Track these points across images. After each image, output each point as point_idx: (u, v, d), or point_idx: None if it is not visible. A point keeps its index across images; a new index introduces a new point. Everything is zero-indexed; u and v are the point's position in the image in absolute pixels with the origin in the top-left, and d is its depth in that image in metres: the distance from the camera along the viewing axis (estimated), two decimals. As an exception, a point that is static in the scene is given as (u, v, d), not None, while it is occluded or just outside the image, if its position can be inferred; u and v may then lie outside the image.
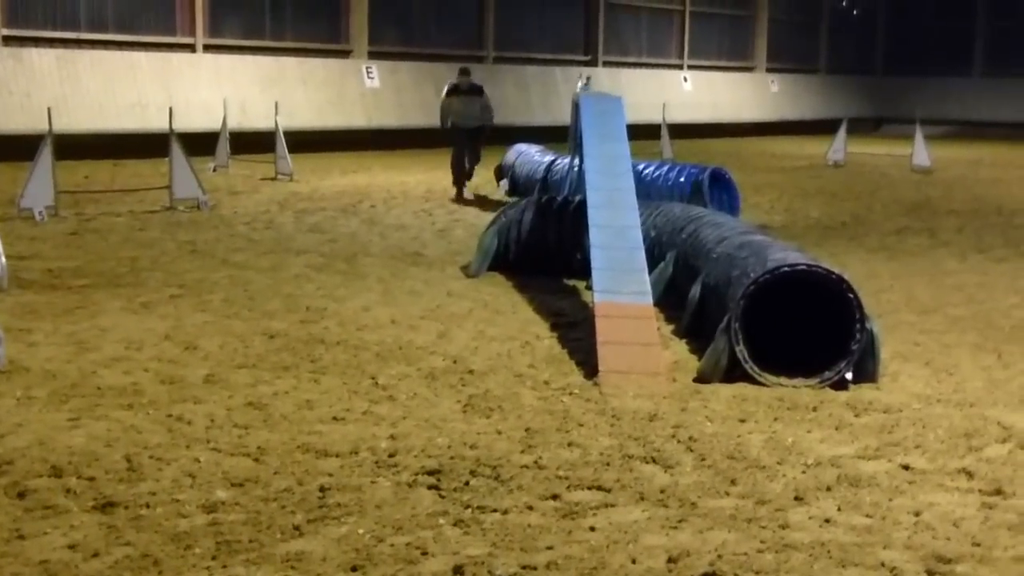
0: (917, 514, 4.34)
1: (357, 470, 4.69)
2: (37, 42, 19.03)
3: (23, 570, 3.68)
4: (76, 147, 16.24)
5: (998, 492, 4.58)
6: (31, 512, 4.15)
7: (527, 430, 5.26)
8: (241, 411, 5.47)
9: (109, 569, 3.70)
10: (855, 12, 36.59)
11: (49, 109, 12.35)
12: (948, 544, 4.07)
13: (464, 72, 15.36)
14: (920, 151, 20.19)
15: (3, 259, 8.05)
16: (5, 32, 18.68)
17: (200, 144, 16.29)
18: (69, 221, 11.70)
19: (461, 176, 14.54)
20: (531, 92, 25.40)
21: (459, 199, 14.33)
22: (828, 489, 4.59)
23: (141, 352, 6.55)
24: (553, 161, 13.18)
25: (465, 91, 15.00)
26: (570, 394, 5.88)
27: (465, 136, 14.72)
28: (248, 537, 3.98)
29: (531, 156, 14.13)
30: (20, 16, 18.98)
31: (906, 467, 4.88)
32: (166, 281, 8.73)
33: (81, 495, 4.32)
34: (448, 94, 15.10)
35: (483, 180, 15.62)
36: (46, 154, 11.88)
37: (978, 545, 4.07)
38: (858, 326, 6.06)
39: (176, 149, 12.96)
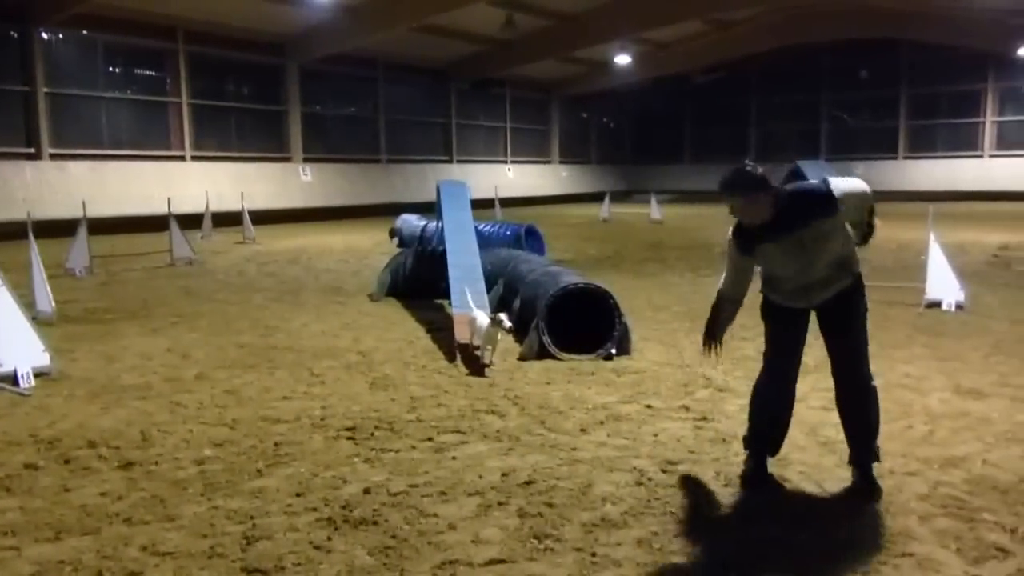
0: (655, 436, 4.47)
1: (300, 430, 4.60)
2: (74, 157, 18.20)
3: (68, 512, 3.52)
4: (104, 227, 15.58)
5: (704, 419, 4.75)
6: (73, 472, 3.97)
7: (412, 398, 5.24)
8: (221, 396, 5.30)
9: (129, 507, 3.56)
10: (611, 126, 37.59)
11: (84, 201, 11.86)
12: (674, 453, 4.21)
13: None
14: (655, 210, 20.73)
15: (53, 303, 7.64)
16: (51, 151, 17.86)
17: (191, 222, 15.75)
18: (100, 276, 11.14)
19: None
20: (411, 182, 25.34)
21: None
22: (601, 423, 4.69)
23: (151, 361, 6.29)
24: (425, 225, 13.13)
25: None
26: (439, 373, 5.87)
27: None
28: (225, 479, 3.88)
29: (412, 222, 14.05)
30: (62, 139, 18.15)
31: (648, 406, 5.00)
32: (168, 313, 8.40)
33: (109, 459, 4.14)
34: None
35: (383, 238, 15.43)
36: (82, 231, 11.40)
37: (693, 452, 4.22)
38: (617, 320, 6.22)
39: (173, 225, 12.59)
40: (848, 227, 3.66)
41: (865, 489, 3.66)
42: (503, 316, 5.79)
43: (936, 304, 8.13)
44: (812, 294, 3.67)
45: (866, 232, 3.72)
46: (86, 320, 8.01)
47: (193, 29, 19.99)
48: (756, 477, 3.81)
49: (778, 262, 3.65)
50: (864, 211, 3.67)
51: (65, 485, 3.80)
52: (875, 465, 3.72)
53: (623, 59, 28.00)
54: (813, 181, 3.71)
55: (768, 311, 3.81)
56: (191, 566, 3.05)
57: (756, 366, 4.01)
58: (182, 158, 20.32)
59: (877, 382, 3.75)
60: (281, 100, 22.82)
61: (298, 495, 3.68)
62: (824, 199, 3.51)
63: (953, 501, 3.56)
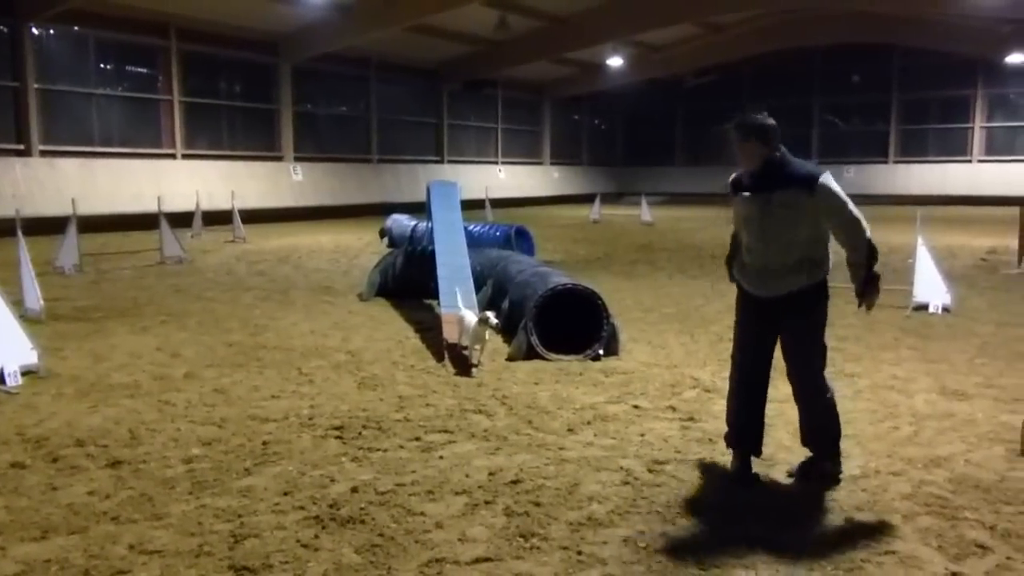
0: (642, 436, 4.50)
1: (288, 429, 4.60)
2: (65, 154, 18.09)
3: (55, 510, 3.51)
4: (95, 224, 15.56)
5: (691, 419, 4.77)
6: (61, 471, 3.96)
7: (400, 397, 5.24)
8: (210, 395, 5.30)
9: (117, 506, 3.56)
10: (603, 127, 37.63)
11: (73, 199, 11.81)
12: (661, 453, 4.24)
13: None
14: (645, 212, 20.76)
15: (42, 300, 7.62)
16: (42, 148, 17.76)
17: (182, 220, 15.73)
18: (89, 274, 11.09)
19: None
20: (402, 182, 25.30)
21: None
22: (588, 423, 4.71)
23: (140, 360, 6.28)
24: (416, 225, 13.13)
25: None
26: (428, 373, 5.88)
27: None
28: (214, 478, 3.88)
29: (402, 222, 14.04)
30: (52, 136, 18.04)
31: (636, 407, 5.03)
32: (158, 312, 8.38)
33: (97, 457, 4.14)
34: None
35: (374, 238, 15.42)
36: (72, 229, 11.36)
37: (679, 452, 4.24)
38: (605, 321, 6.24)
39: (164, 224, 12.58)
40: (834, 238, 3.71)
41: (817, 474, 3.78)
42: (490, 314, 5.80)
43: (923, 307, 8.19)
44: (769, 281, 3.74)
45: (861, 276, 3.72)
46: (75, 318, 7.98)
47: (185, 26, 19.93)
48: (740, 476, 3.85)
49: (743, 218, 3.79)
50: (849, 237, 3.67)
51: (52, 484, 3.80)
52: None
53: (615, 61, 28.06)
54: (815, 166, 3.78)
55: (737, 300, 3.94)
56: (178, 564, 3.06)
57: (742, 367, 4.04)
58: (173, 156, 20.24)
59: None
60: (273, 99, 22.77)
61: (286, 494, 3.69)
62: (807, 176, 3.63)
63: (936, 500, 3.60)
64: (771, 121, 3.72)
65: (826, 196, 3.61)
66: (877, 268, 3.73)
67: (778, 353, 3.86)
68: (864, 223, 3.67)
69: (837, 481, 3.79)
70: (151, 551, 3.15)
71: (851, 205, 3.66)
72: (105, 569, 3.02)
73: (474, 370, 5.77)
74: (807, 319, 3.75)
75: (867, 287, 3.72)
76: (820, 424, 3.83)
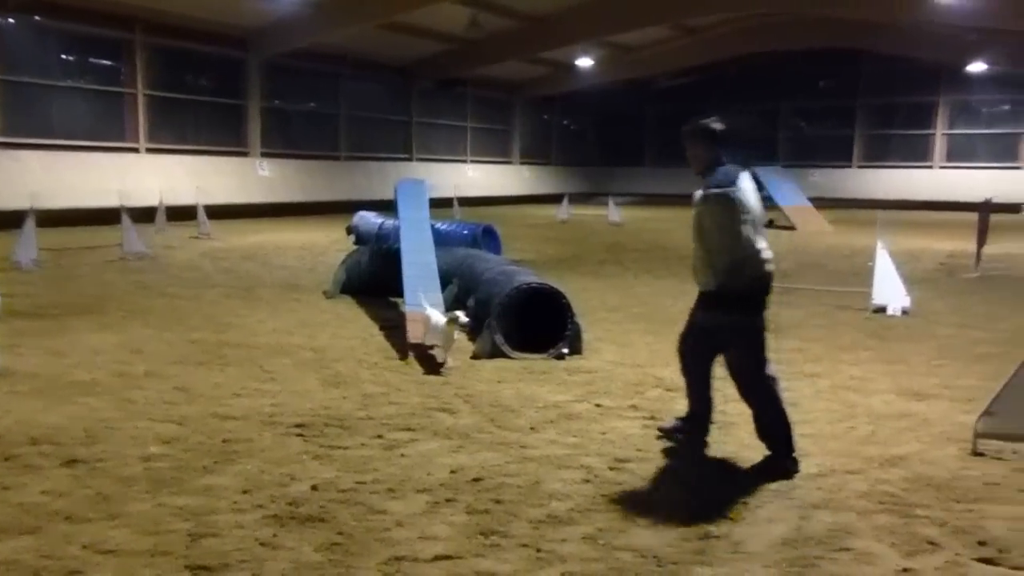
0: (604, 434, 4.52)
1: (250, 427, 4.56)
2: (27, 146, 17.72)
3: (6, 510, 3.44)
4: (57, 219, 15.25)
5: (653, 418, 4.80)
6: (12, 470, 3.88)
7: (364, 395, 5.22)
8: (171, 393, 5.23)
9: (72, 505, 3.50)
10: (573, 128, 37.73)
11: (33, 192, 11.60)
12: (623, 451, 4.26)
13: None
14: (613, 212, 20.84)
15: (-1, 296, 7.48)
16: (3, 139, 17.39)
17: (146, 216, 15.49)
18: (49, 269, 10.88)
19: None
20: (372, 179, 25.12)
21: None
22: (552, 422, 4.73)
23: (100, 357, 6.17)
24: (383, 222, 13.05)
25: None
26: (393, 371, 5.86)
27: None
28: (172, 476, 3.83)
29: (369, 219, 13.91)
30: (13, 127, 17.65)
31: (599, 405, 5.05)
32: (119, 308, 8.24)
33: (52, 456, 4.06)
34: None
35: (341, 235, 15.30)
36: (30, 223, 11.16)
37: (641, 450, 4.27)
38: (570, 321, 6.27)
39: (126, 219, 12.40)
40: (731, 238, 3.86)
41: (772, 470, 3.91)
42: (459, 313, 5.80)
43: (882, 309, 8.33)
44: (695, 275, 4.05)
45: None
46: (33, 315, 7.82)
47: (151, 19, 19.63)
48: (671, 430, 4.35)
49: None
50: (711, 257, 3.87)
51: (3, 483, 3.71)
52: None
53: (587, 62, 28.15)
54: (744, 178, 3.93)
55: None
56: (134, 564, 3.01)
57: (704, 366, 4.09)
58: (137, 150, 19.94)
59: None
60: (240, 94, 22.51)
61: (246, 492, 3.65)
62: (713, 186, 3.87)
63: (891, 498, 3.67)
64: (717, 126, 3.90)
65: (711, 211, 3.84)
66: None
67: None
68: (730, 256, 3.79)
69: (790, 477, 3.86)
70: (106, 551, 3.11)
71: (731, 232, 3.78)
72: (58, 570, 2.97)
73: (443, 369, 5.76)
74: (721, 320, 3.94)
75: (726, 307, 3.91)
76: (763, 423, 4.01)
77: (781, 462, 3.91)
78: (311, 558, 3.07)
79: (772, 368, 3.99)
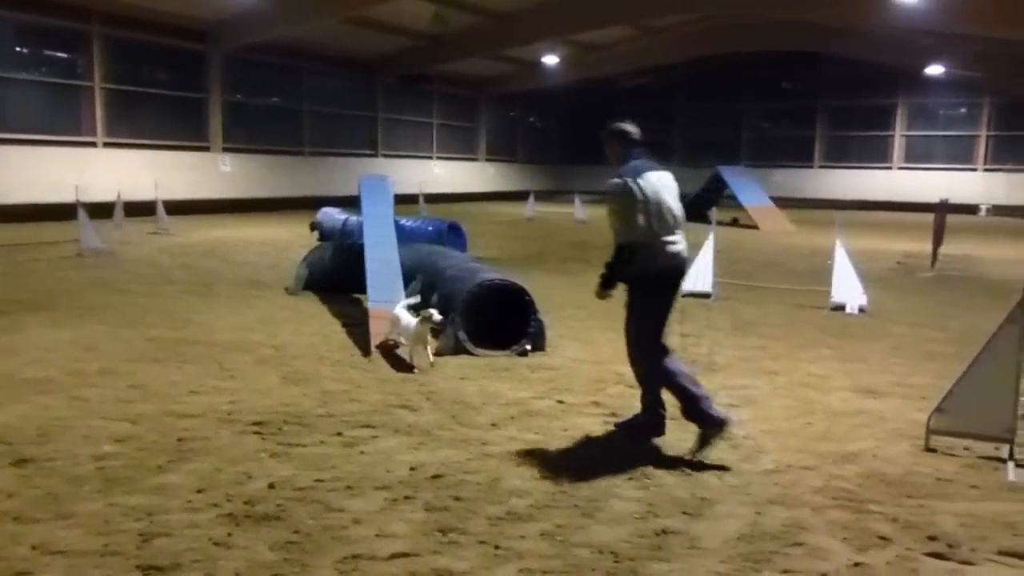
0: (565, 430, 4.54)
1: (206, 425, 4.50)
2: (-23, 139, 17.30)
3: (-49, 509, 3.34)
4: (10, 215, 14.96)
5: (614, 415, 4.82)
6: (-40, 468, 3.77)
7: (324, 392, 5.18)
8: (125, 391, 5.13)
9: (21, 505, 3.43)
10: (539, 125, 37.76)
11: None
12: (584, 447, 4.28)
13: None
14: (579, 210, 20.92)
15: (-54, 292, 7.28)
16: (-48, 132, 16.98)
17: (103, 211, 15.18)
18: (2, 265, 10.62)
19: None
20: (336, 175, 24.89)
21: None
22: (513, 418, 4.73)
23: (53, 354, 6.04)
24: (347, 219, 12.94)
25: None
26: (354, 368, 5.82)
27: None
28: (125, 475, 3.77)
29: (333, 215, 13.80)
30: (-37, 121, 17.23)
31: (561, 402, 5.07)
32: (74, 305, 8.07)
33: (1, 456, 3.97)
34: None
35: (304, 231, 15.13)
36: (-19, 217, 10.89)
37: (600, 447, 4.28)
38: (532, 318, 6.28)
39: (82, 214, 12.10)
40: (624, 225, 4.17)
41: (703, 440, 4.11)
42: (433, 312, 5.75)
43: (840, 307, 8.46)
44: None
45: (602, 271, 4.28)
46: (-17, 310, 7.65)
47: (108, 11, 19.24)
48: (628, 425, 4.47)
49: None
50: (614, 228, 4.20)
51: (-51, 481, 3.63)
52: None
53: (552, 60, 28.19)
54: (653, 173, 4.26)
55: None
56: (84, 564, 2.96)
57: (663, 363, 4.11)
58: (94, 144, 19.54)
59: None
60: (201, 87, 22.17)
61: (200, 491, 3.60)
62: (616, 176, 4.19)
63: (844, 494, 3.73)
64: (629, 127, 4.38)
65: (609, 199, 4.20)
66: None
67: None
68: (622, 236, 4.17)
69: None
70: (55, 551, 3.04)
71: (621, 218, 4.15)
72: (5, 570, 2.90)
73: (415, 369, 5.72)
74: (627, 302, 4.35)
75: (602, 281, 4.32)
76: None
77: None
78: (266, 557, 3.03)
79: (663, 346, 4.31)
